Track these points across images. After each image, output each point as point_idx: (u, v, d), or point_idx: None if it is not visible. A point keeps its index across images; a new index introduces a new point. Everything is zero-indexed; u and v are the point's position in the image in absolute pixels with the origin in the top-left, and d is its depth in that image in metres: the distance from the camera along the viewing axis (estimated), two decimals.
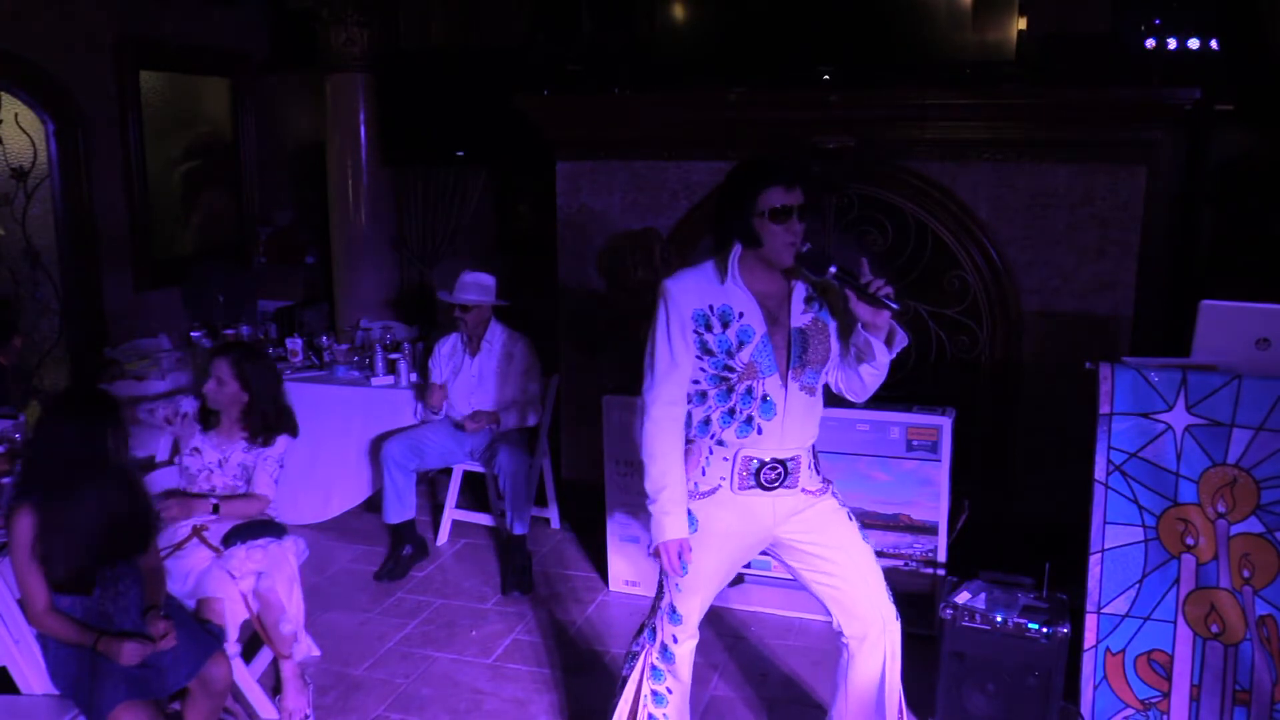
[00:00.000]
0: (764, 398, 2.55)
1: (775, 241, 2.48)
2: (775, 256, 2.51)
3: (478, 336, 4.60)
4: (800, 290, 2.60)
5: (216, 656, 2.91)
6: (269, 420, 3.55)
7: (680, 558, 2.57)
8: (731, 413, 2.56)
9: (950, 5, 4.29)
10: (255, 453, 3.55)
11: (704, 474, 2.61)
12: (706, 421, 2.59)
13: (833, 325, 2.63)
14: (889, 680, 2.72)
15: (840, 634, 2.74)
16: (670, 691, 2.76)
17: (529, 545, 4.44)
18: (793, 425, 2.59)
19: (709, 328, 2.54)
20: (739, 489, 2.59)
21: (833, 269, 2.44)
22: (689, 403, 2.61)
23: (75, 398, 3.01)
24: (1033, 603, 3.12)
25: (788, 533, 2.66)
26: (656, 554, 2.60)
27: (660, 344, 2.57)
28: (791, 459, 2.61)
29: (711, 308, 2.54)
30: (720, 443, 2.59)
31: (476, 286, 4.54)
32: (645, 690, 2.75)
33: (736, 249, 2.55)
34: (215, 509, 3.45)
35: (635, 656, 2.79)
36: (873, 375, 2.59)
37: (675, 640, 2.72)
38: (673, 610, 2.70)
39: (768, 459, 2.58)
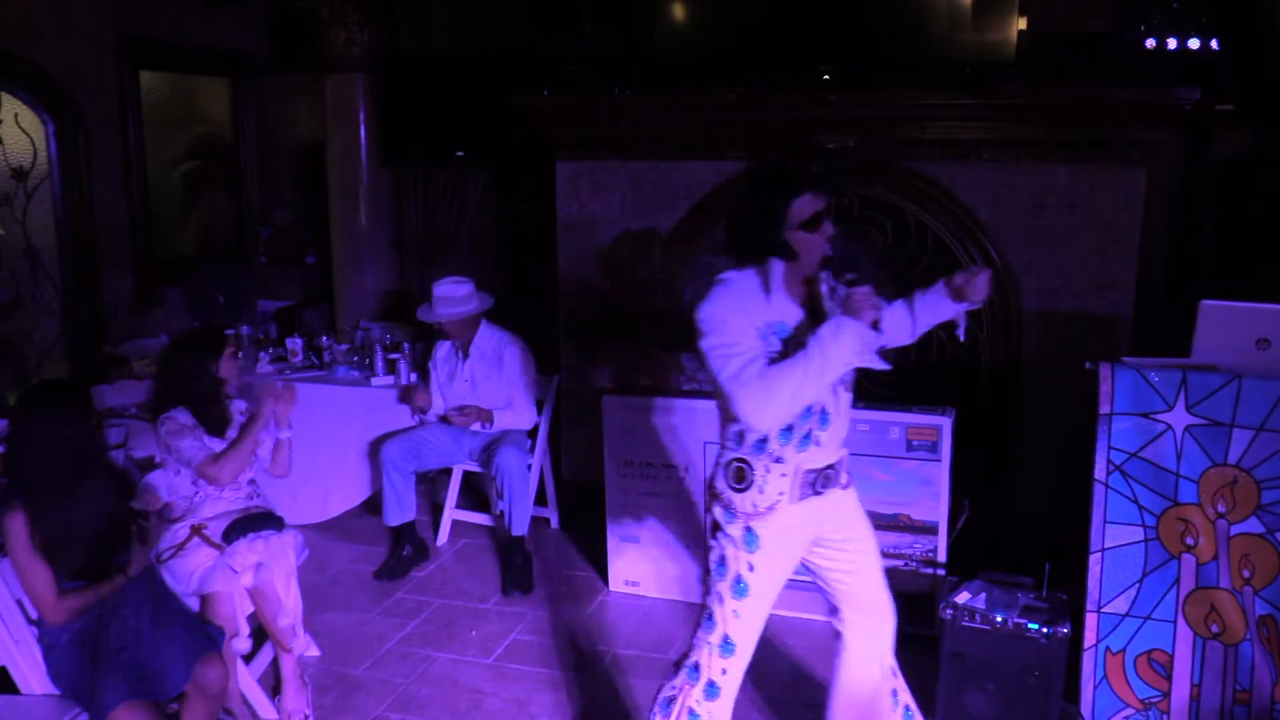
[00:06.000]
0: (822, 410, 2.50)
1: (810, 250, 2.43)
2: (809, 266, 2.46)
3: (467, 342, 4.58)
4: (825, 290, 2.56)
5: (210, 658, 2.90)
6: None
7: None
8: (790, 429, 2.47)
9: (950, 5, 4.29)
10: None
11: (761, 492, 2.51)
12: (764, 441, 2.49)
13: None
14: (886, 674, 2.73)
15: (841, 629, 2.72)
16: None
17: (529, 545, 4.44)
18: (839, 428, 2.57)
19: (770, 346, 2.43)
20: (796, 500, 2.53)
21: (850, 275, 2.42)
22: (742, 421, 2.46)
23: (44, 391, 3.01)
24: (1033, 603, 3.12)
25: (824, 529, 2.64)
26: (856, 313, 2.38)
27: (738, 345, 2.36)
28: (839, 460, 2.61)
29: (767, 325, 2.43)
30: (778, 460, 2.50)
31: (447, 300, 4.47)
32: None
33: (777, 263, 2.44)
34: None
35: (671, 701, 2.62)
36: None
37: (724, 673, 2.58)
38: (725, 642, 2.56)
39: (822, 466, 2.55)
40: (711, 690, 2.58)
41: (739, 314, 2.40)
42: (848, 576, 2.68)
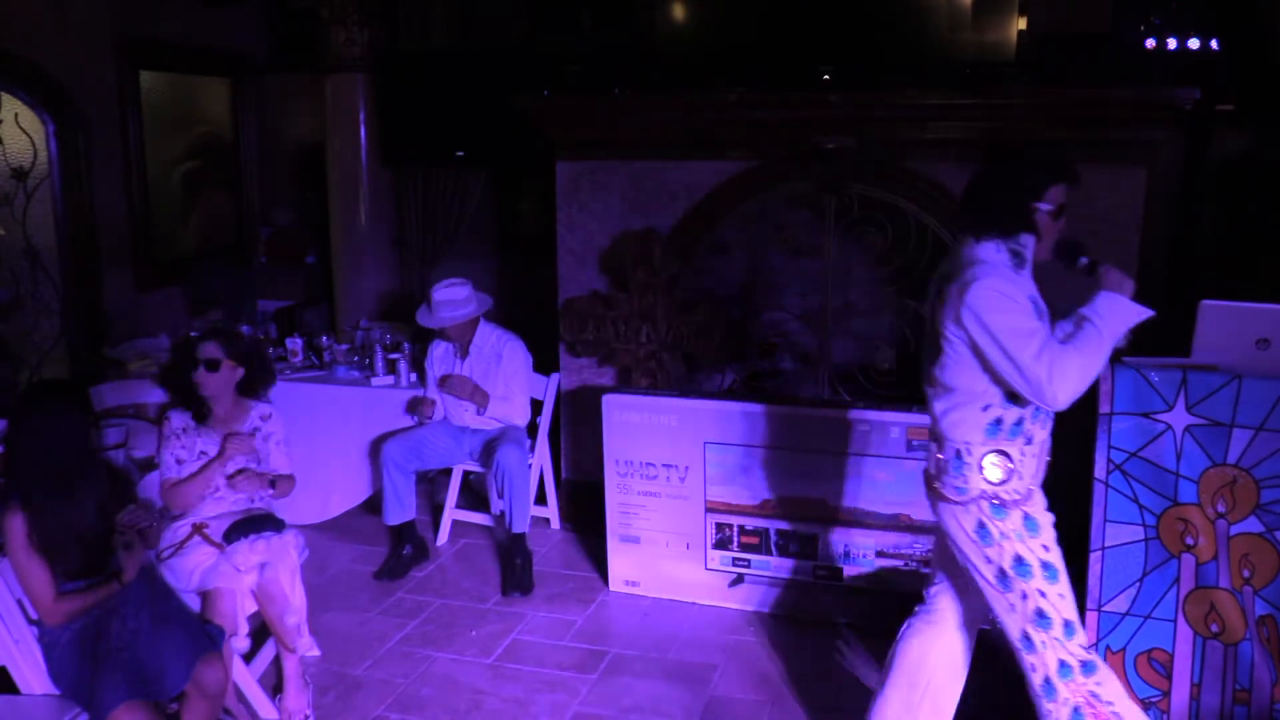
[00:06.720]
0: None
1: (1049, 236, 2.53)
2: (1044, 250, 2.55)
3: (466, 342, 4.59)
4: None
5: (210, 658, 2.90)
6: (262, 376, 3.74)
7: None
8: (1039, 407, 2.52)
9: (950, 5, 4.29)
10: (258, 433, 3.61)
11: (1020, 477, 2.55)
12: (1019, 422, 2.54)
13: None
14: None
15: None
16: (1113, 701, 2.54)
17: (529, 545, 4.44)
18: None
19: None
20: (1039, 479, 2.62)
21: (1084, 260, 2.53)
22: (1002, 405, 2.52)
23: (42, 391, 3.01)
24: None
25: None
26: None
27: (1030, 324, 2.41)
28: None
29: (1029, 300, 2.49)
30: (1029, 440, 2.56)
31: (448, 304, 4.48)
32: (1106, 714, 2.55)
33: (1030, 239, 2.53)
34: (273, 483, 3.62)
35: (1080, 710, 2.54)
36: None
37: (1089, 649, 2.57)
38: (1068, 627, 2.55)
39: (1049, 443, 2.64)
40: (1091, 669, 2.54)
41: (1015, 291, 2.45)
42: None
